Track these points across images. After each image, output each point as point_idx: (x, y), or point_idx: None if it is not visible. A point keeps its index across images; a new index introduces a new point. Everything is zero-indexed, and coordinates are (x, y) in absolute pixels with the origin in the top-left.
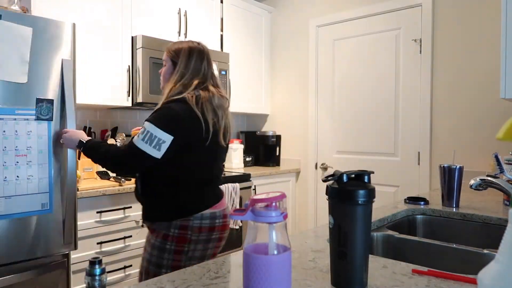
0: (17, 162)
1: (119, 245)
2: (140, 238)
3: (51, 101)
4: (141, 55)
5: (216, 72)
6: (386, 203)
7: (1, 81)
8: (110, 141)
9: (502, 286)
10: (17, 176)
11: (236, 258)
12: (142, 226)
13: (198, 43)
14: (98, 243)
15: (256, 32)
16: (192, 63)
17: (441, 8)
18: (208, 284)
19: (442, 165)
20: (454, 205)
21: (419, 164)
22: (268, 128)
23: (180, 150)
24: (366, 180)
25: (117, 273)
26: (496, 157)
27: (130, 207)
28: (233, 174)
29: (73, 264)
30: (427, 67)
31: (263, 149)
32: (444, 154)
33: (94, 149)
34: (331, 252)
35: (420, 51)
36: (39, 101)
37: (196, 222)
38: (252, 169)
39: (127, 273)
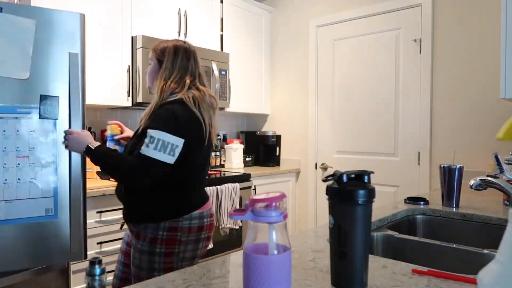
0: (19, 163)
1: (119, 245)
2: None
3: (56, 98)
4: (141, 55)
5: (202, 71)
6: (386, 203)
7: (1, 77)
8: None
9: (502, 286)
10: (18, 179)
11: (236, 258)
12: (121, 228)
13: (184, 42)
14: (98, 243)
15: (256, 32)
16: (178, 61)
17: (441, 8)
18: (208, 284)
19: (442, 165)
20: (454, 205)
21: (419, 164)
22: (268, 128)
23: (182, 152)
24: (366, 180)
25: None
26: (496, 157)
27: None
28: (233, 174)
29: (73, 264)
30: (427, 67)
31: (263, 149)
32: (444, 154)
33: (105, 159)
34: (331, 252)
35: (420, 51)
36: (42, 98)
37: (186, 222)
38: (252, 169)
39: None
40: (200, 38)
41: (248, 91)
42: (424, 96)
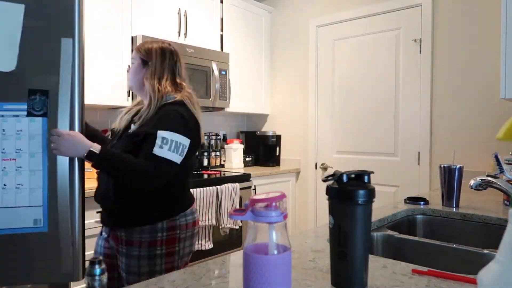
0: (4, 167)
1: None
2: None
3: (45, 93)
4: None
5: (185, 72)
6: (386, 203)
7: None
8: None
9: (502, 286)
10: (4, 185)
11: (236, 258)
12: (102, 233)
13: (169, 44)
14: None
15: (256, 32)
16: (166, 62)
17: (441, 8)
18: (208, 284)
19: (442, 165)
20: (454, 205)
21: (419, 164)
22: (268, 128)
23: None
24: (366, 180)
25: None
26: (496, 157)
27: None
28: (233, 174)
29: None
30: (427, 67)
31: (263, 149)
32: (444, 154)
33: (114, 163)
34: (331, 252)
35: (420, 51)
36: (31, 92)
37: (182, 220)
38: (252, 169)
39: None
40: (200, 38)
41: (248, 91)
42: (424, 96)
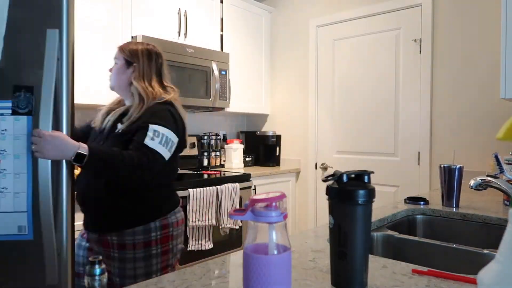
0: None
1: None
2: None
3: (30, 89)
4: None
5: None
6: (386, 203)
7: None
8: None
9: (502, 286)
10: None
11: (236, 258)
12: (88, 241)
13: (154, 46)
14: None
15: (256, 32)
16: (153, 64)
17: (441, 8)
18: (208, 284)
19: (442, 165)
20: (454, 205)
21: (419, 164)
22: (268, 128)
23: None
24: (366, 180)
25: None
26: (496, 157)
27: None
28: (233, 174)
29: None
30: (427, 67)
31: (263, 149)
32: (444, 154)
33: (106, 161)
34: (331, 252)
35: (420, 51)
36: (16, 89)
37: (173, 217)
38: (252, 169)
39: None
40: (200, 38)
41: (248, 91)
42: (424, 96)
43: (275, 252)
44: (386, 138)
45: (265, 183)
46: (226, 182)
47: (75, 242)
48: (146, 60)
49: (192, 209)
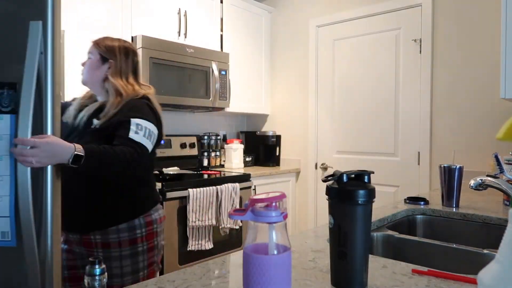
0: None
1: None
2: None
3: (13, 86)
4: (141, 55)
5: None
6: (386, 203)
7: None
8: None
9: (502, 286)
10: None
11: (236, 258)
12: (67, 243)
13: (130, 43)
14: None
15: (256, 32)
16: (129, 61)
17: (441, 8)
18: (208, 284)
19: (442, 165)
20: (454, 205)
21: (419, 164)
22: (268, 128)
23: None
24: (366, 180)
25: None
26: (496, 157)
27: None
28: (233, 174)
29: None
30: (427, 67)
31: (263, 149)
32: (444, 154)
33: (101, 159)
34: (331, 252)
35: (420, 51)
36: None
37: (156, 214)
38: (252, 169)
39: None
40: (200, 38)
41: (248, 91)
42: (424, 96)
43: (275, 252)
44: (386, 138)
45: (265, 183)
46: (226, 182)
47: None
48: (123, 57)
49: (192, 209)
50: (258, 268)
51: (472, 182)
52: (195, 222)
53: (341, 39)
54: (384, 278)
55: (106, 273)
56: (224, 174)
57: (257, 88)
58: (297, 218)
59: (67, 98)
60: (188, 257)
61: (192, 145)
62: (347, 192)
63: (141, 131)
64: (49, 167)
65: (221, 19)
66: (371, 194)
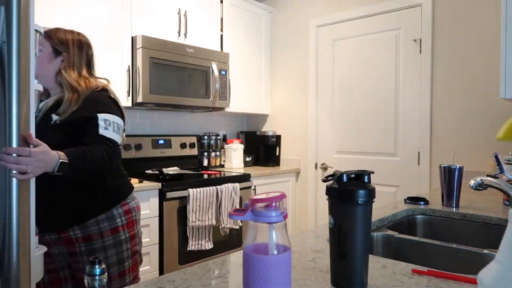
0: None
1: None
2: None
3: None
4: (141, 55)
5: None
6: (386, 203)
7: None
8: None
9: (502, 286)
10: None
11: (236, 258)
12: (47, 241)
13: (84, 36)
14: None
15: (256, 32)
16: (83, 54)
17: (441, 8)
18: (208, 284)
19: (442, 165)
20: (454, 205)
21: (419, 164)
22: (268, 128)
23: None
24: (366, 180)
25: None
26: (496, 157)
27: None
28: (233, 174)
29: None
30: (427, 67)
31: (263, 149)
32: (444, 154)
33: (84, 164)
34: (331, 252)
35: (420, 51)
36: None
37: (133, 202)
38: (252, 169)
39: None
40: (200, 38)
41: (248, 91)
42: (424, 96)
43: (275, 252)
44: (386, 138)
45: (265, 183)
46: (226, 182)
47: None
48: (76, 50)
49: (192, 209)
50: (258, 268)
51: (472, 182)
52: (195, 222)
53: (341, 39)
54: (384, 278)
55: (106, 273)
56: (224, 174)
57: (257, 88)
58: (297, 218)
59: None
60: (188, 257)
61: (192, 145)
62: (347, 192)
63: (110, 126)
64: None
65: (221, 19)
66: (371, 194)
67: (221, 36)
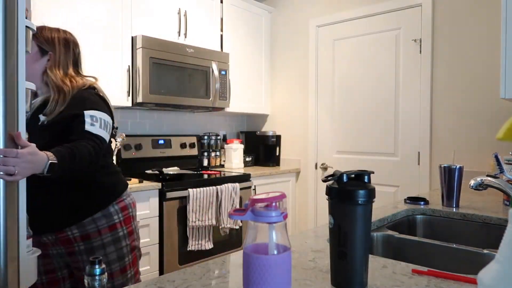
0: None
1: None
2: None
3: None
4: (141, 55)
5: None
6: (386, 203)
7: None
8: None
9: (502, 286)
10: None
11: (236, 258)
12: (40, 247)
13: (71, 34)
14: None
15: (256, 32)
16: (70, 53)
17: (441, 8)
18: (208, 284)
19: (442, 165)
20: (454, 205)
21: (419, 164)
22: (268, 128)
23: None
24: (366, 180)
25: None
26: (496, 157)
27: None
28: (233, 174)
29: None
30: (427, 67)
31: (263, 149)
32: (444, 154)
33: (72, 162)
34: (331, 252)
35: (420, 51)
36: None
37: (128, 199)
38: (252, 169)
39: None
40: (200, 38)
41: (248, 91)
42: (424, 96)
43: (275, 252)
44: (386, 138)
45: (265, 183)
46: (226, 182)
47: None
48: (63, 49)
49: (192, 209)
50: (258, 268)
51: (472, 182)
52: (195, 222)
53: (341, 39)
54: (384, 278)
55: (106, 273)
56: (224, 174)
57: (257, 88)
58: (297, 218)
59: None
60: (188, 257)
61: (192, 145)
62: (347, 192)
63: (96, 122)
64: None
65: (221, 19)
66: (371, 194)
67: (221, 36)
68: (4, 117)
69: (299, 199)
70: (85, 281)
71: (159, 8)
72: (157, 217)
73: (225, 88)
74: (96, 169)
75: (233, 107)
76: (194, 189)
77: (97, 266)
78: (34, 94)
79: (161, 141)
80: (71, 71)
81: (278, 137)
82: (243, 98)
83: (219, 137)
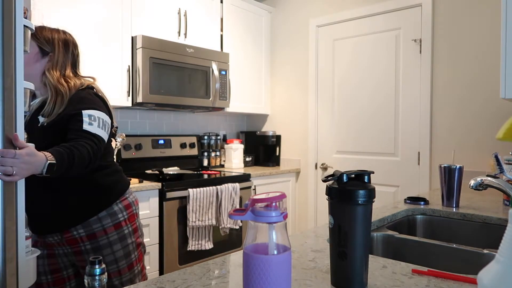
0: None
1: None
2: None
3: None
4: (141, 55)
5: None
6: (386, 203)
7: None
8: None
9: (502, 286)
10: None
11: (236, 258)
12: (46, 247)
13: (70, 35)
14: None
15: (256, 32)
16: (69, 54)
17: (441, 8)
18: (208, 284)
19: (442, 165)
20: (454, 205)
21: (419, 164)
22: (268, 128)
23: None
24: (366, 180)
25: None
26: (496, 157)
27: None
28: (233, 174)
29: None
30: (427, 67)
31: (263, 149)
32: (444, 154)
33: (70, 162)
34: (331, 252)
35: (420, 51)
36: None
37: (131, 197)
38: (252, 169)
39: None
40: (200, 38)
41: (248, 91)
42: (424, 96)
43: (275, 252)
44: (386, 138)
45: (265, 183)
46: (226, 182)
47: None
48: (62, 50)
49: (192, 209)
50: (258, 268)
51: (472, 182)
52: (195, 222)
53: (341, 39)
54: (384, 278)
55: (106, 273)
56: (224, 174)
57: (257, 88)
58: (297, 218)
59: None
60: (188, 257)
61: (192, 145)
62: (347, 192)
63: (94, 121)
64: None
65: (221, 19)
66: (371, 194)
67: (221, 36)
68: (1, 118)
69: (299, 199)
70: (85, 281)
71: (159, 8)
72: (157, 217)
73: (225, 88)
74: (97, 169)
75: (233, 107)
76: (194, 189)
77: (97, 266)
78: (33, 95)
79: (161, 141)
80: (68, 72)
81: (278, 137)
82: (243, 98)
83: (219, 137)
